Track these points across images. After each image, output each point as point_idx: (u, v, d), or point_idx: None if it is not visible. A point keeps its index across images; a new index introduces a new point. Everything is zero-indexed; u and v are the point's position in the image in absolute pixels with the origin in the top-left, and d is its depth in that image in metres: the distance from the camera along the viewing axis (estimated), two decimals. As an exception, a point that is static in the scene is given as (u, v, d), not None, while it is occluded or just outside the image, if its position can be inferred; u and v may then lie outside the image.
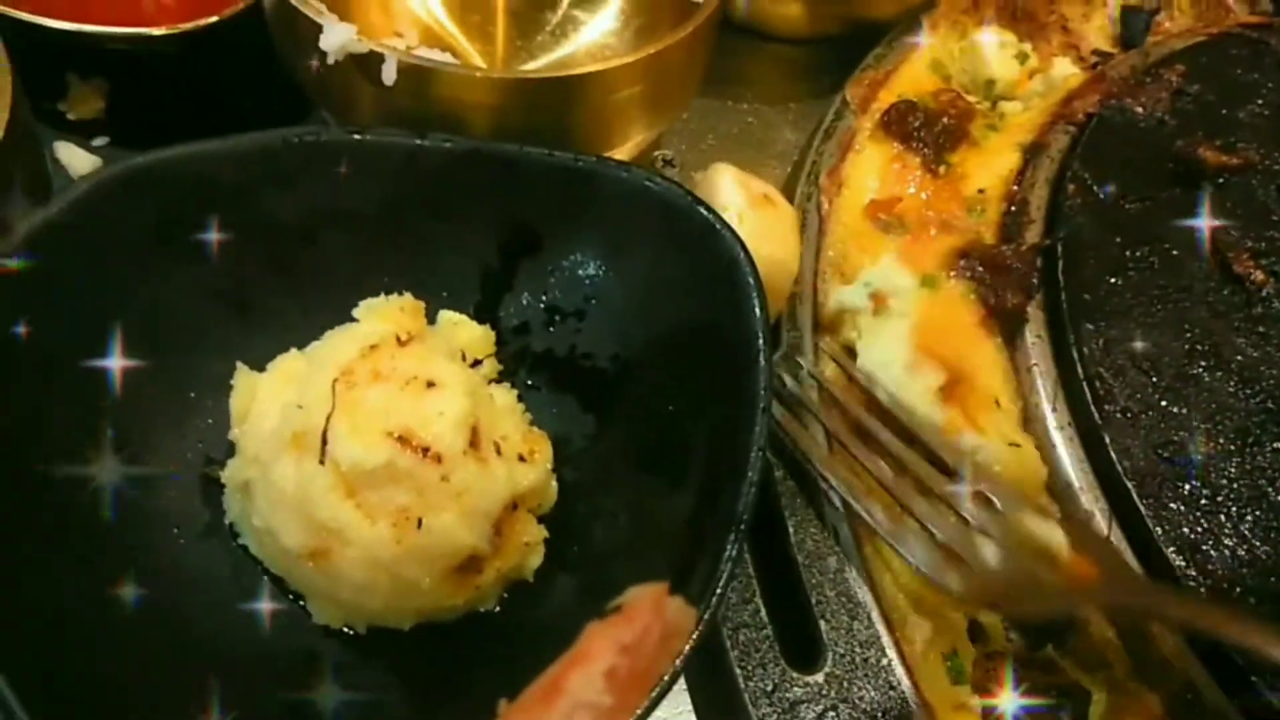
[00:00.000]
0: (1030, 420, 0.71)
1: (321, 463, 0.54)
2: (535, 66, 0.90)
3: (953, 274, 0.77)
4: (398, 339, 0.58)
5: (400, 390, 0.55)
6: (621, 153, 0.82)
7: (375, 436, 0.54)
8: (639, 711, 0.36)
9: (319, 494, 0.54)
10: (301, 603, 0.59)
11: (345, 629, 0.59)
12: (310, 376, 0.57)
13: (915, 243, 0.82)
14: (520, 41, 0.91)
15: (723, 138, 0.92)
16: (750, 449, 0.56)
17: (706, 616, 0.49)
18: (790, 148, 0.92)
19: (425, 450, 0.54)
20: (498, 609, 0.60)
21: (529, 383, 0.69)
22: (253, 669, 0.58)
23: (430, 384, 0.56)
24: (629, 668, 0.36)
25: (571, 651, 0.36)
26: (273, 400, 0.58)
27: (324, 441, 0.54)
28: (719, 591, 0.50)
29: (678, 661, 0.37)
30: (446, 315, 0.68)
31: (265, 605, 0.59)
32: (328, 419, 0.54)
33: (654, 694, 0.36)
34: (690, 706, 0.62)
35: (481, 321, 0.69)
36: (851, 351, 0.75)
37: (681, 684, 0.62)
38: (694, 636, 0.46)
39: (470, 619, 0.60)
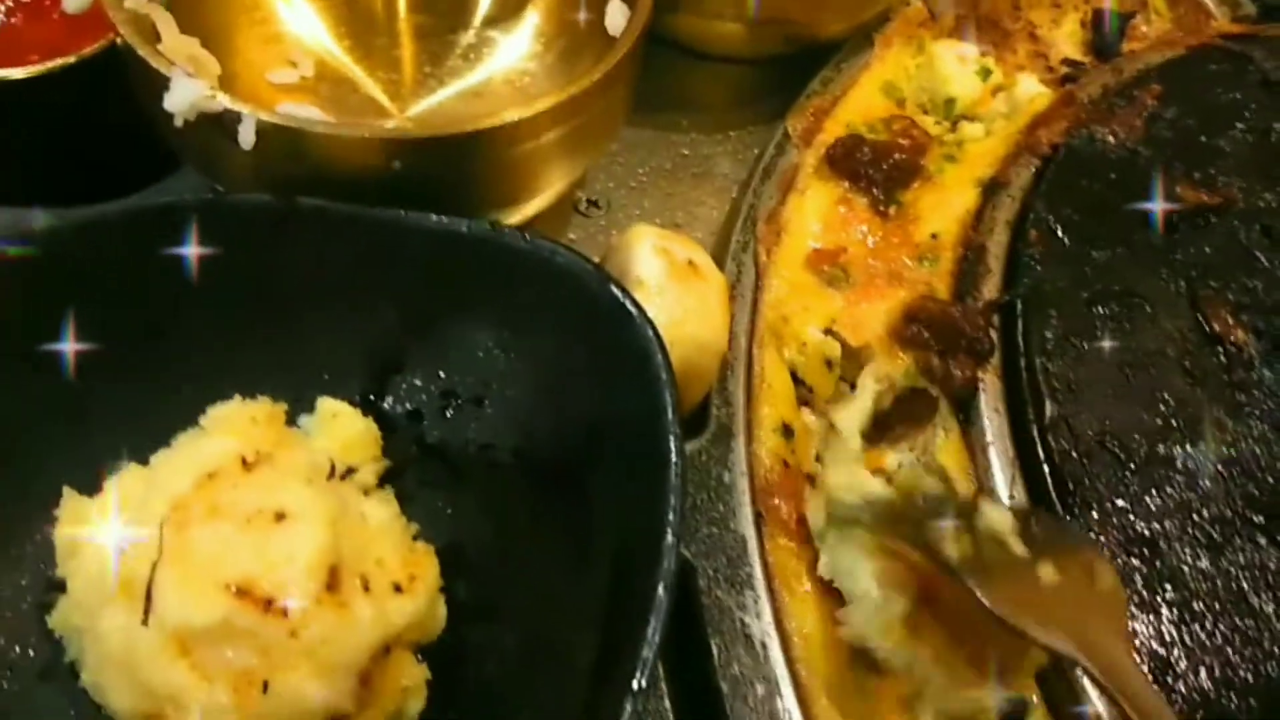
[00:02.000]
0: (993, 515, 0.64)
1: (144, 622, 0.45)
2: (445, 96, 0.81)
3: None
4: (244, 461, 0.50)
5: (242, 528, 0.47)
6: (541, 200, 0.73)
7: (209, 589, 0.46)
8: None
9: (147, 654, 0.46)
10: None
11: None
12: (141, 510, 0.49)
13: (862, 298, 0.74)
14: (429, 68, 0.82)
15: (654, 173, 0.83)
16: (658, 582, 0.49)
17: None
18: (728, 182, 0.84)
19: (269, 603, 0.46)
20: (371, 759, 0.53)
21: (421, 478, 0.61)
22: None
23: (280, 516, 0.48)
24: None
25: None
26: (103, 533, 0.50)
27: (149, 597, 0.46)
28: None
29: None
30: (325, 405, 0.60)
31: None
32: (154, 568, 0.46)
33: None
34: None
35: (368, 408, 0.61)
36: (788, 429, 0.67)
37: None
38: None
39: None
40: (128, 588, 0.47)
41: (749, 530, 0.62)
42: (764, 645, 0.58)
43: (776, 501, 0.64)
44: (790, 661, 0.58)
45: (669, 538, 0.49)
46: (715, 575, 0.60)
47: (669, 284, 0.62)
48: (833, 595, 0.62)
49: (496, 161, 0.64)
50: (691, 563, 0.60)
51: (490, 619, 0.57)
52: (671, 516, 0.50)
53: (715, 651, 0.57)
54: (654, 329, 0.55)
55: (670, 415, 0.53)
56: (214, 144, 0.61)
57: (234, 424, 0.53)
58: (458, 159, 0.62)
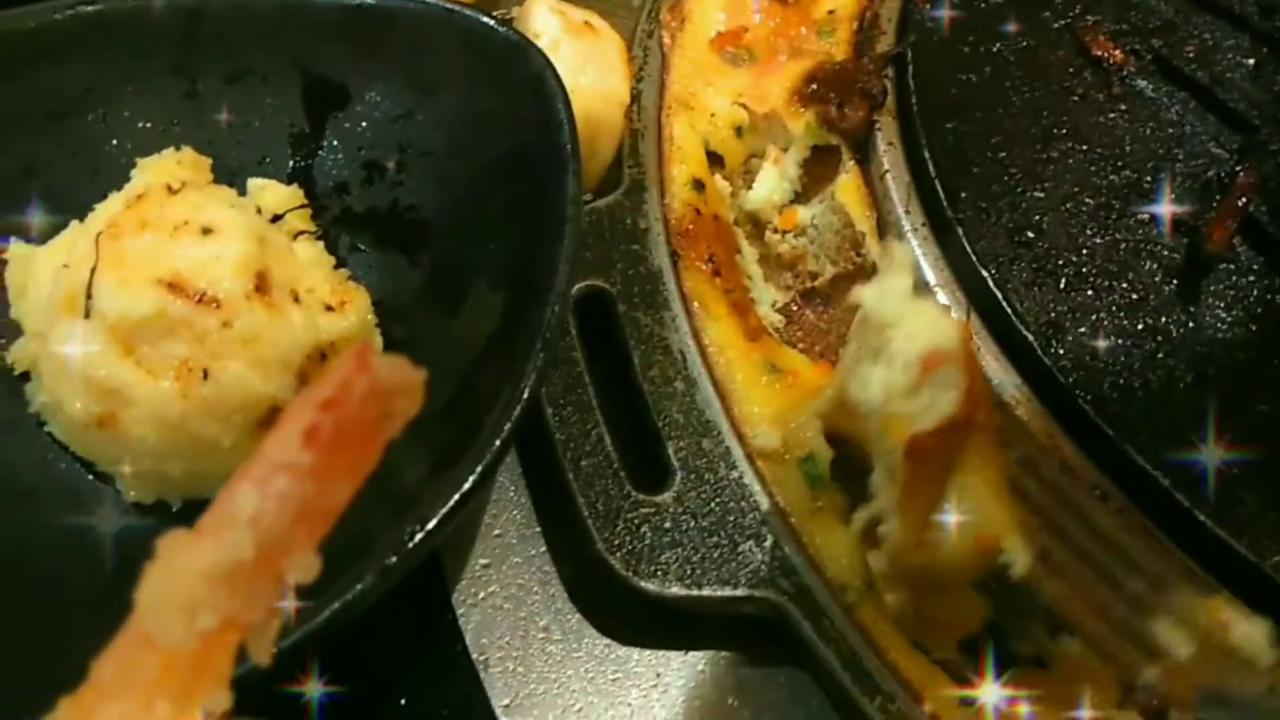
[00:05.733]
0: (885, 227, 0.68)
1: (87, 316, 0.50)
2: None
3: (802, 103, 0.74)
4: (169, 187, 0.54)
5: (170, 237, 0.52)
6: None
7: (143, 285, 0.50)
8: (353, 469, 0.33)
9: (95, 356, 0.50)
10: (112, 483, 0.56)
11: (161, 504, 0.55)
12: (80, 240, 0.53)
13: (765, 73, 0.78)
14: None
15: (565, -6, 0.87)
16: (559, 260, 0.53)
17: (515, 415, 0.48)
18: (635, -2, 0.87)
19: (201, 296, 0.50)
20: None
21: (356, 245, 0.65)
22: (69, 557, 0.54)
23: (206, 230, 0.52)
24: (333, 425, 0.32)
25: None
26: (48, 271, 0.54)
27: (89, 296, 0.50)
28: (525, 393, 0.48)
29: (403, 421, 0.34)
30: (254, 183, 0.64)
31: (74, 489, 0.56)
32: (92, 273, 0.50)
33: (371, 452, 0.33)
34: (545, 545, 0.59)
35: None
36: (699, 183, 0.71)
37: (535, 523, 0.60)
38: (497, 431, 0.45)
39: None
40: (72, 302, 0.51)
41: (665, 264, 0.66)
42: (682, 354, 0.62)
43: (690, 241, 0.68)
44: (708, 365, 0.62)
45: (568, 220, 0.54)
46: (633, 300, 0.64)
47: (565, 37, 0.66)
48: (744, 315, 0.66)
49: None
50: (609, 290, 0.64)
51: (424, 348, 0.61)
52: (570, 205, 0.54)
53: (636, 359, 0.61)
54: (545, 58, 0.59)
55: (565, 126, 0.57)
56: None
57: (161, 166, 0.57)
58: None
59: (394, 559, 0.44)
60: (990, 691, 0.53)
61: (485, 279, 0.60)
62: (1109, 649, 0.55)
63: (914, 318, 0.50)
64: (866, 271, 0.69)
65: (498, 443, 0.47)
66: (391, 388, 0.33)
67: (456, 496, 0.45)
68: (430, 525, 0.45)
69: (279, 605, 0.32)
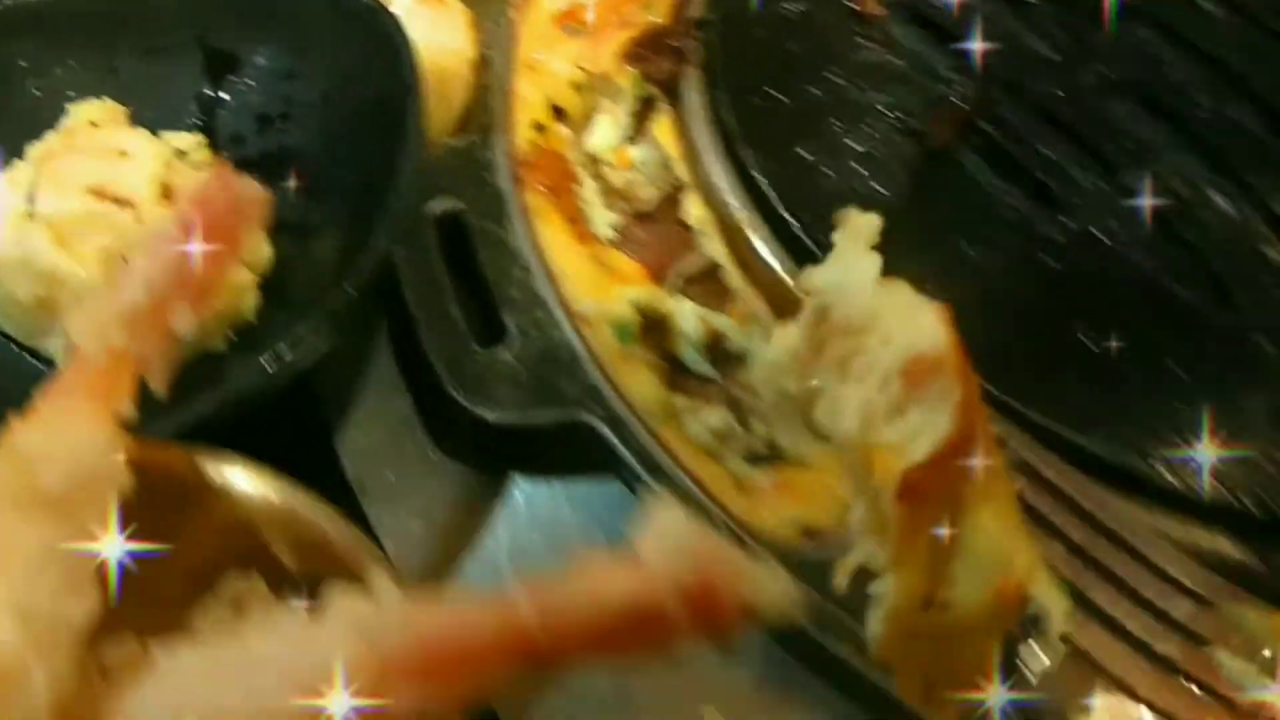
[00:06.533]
0: (693, 158, 0.84)
1: (30, 217, 0.64)
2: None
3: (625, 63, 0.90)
4: (93, 123, 0.68)
5: (95, 157, 0.66)
6: None
7: (74, 191, 0.64)
8: (218, 254, 0.47)
9: (36, 250, 0.64)
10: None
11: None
12: (21, 169, 0.67)
13: (598, 42, 0.94)
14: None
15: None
16: (406, 168, 0.68)
17: (366, 267, 0.64)
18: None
19: (119, 199, 0.64)
20: (225, 349, 0.70)
21: (252, 184, 0.80)
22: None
23: (123, 154, 0.67)
24: (201, 217, 0.46)
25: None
26: (-3, 194, 0.68)
27: (31, 201, 0.64)
28: (374, 248, 0.64)
29: (253, 222, 0.48)
30: (166, 135, 0.78)
31: (22, 371, 0.69)
32: (32, 185, 0.64)
33: (231, 240, 0.47)
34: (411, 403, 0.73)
35: (202, 139, 0.80)
36: (540, 126, 0.87)
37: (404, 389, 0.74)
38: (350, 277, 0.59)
39: (204, 360, 0.70)
40: (17, 216, 0.65)
41: (509, 187, 0.81)
42: (520, 250, 0.77)
43: (531, 170, 0.83)
44: (541, 259, 0.77)
45: (413, 141, 0.69)
46: (481, 214, 0.79)
47: (418, 8, 0.81)
48: (576, 225, 0.81)
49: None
50: (462, 209, 0.79)
51: (305, 252, 0.75)
52: (414, 128, 0.69)
53: (481, 255, 0.76)
54: (395, 19, 0.75)
55: (410, 68, 0.72)
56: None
57: (87, 109, 0.72)
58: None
59: (271, 370, 0.58)
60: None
61: (354, 196, 0.75)
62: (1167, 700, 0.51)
63: (887, 312, 0.41)
64: (681, 189, 0.84)
65: (354, 280, 0.61)
66: (243, 195, 0.48)
67: (322, 324, 0.59)
68: (298, 347, 0.59)
69: (166, 345, 0.46)
